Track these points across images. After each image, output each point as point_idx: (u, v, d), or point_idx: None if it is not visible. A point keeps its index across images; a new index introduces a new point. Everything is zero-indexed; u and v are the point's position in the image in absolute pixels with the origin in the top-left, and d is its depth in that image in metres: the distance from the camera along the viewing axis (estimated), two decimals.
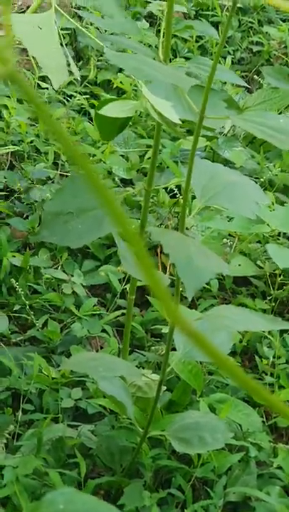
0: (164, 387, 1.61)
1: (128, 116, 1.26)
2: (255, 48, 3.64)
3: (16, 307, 1.99)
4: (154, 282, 0.38)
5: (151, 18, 3.50)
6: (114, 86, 2.96)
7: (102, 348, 1.97)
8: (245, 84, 1.69)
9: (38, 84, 2.87)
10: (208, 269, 1.12)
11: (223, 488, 1.61)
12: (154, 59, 1.25)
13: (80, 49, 3.34)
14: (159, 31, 3.16)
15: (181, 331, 0.39)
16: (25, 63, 3.09)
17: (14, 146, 2.46)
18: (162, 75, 1.13)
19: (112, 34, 1.52)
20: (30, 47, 1.06)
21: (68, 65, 1.17)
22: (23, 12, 2.88)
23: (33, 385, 1.77)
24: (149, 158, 2.52)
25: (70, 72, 1.23)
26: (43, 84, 2.88)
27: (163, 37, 1.32)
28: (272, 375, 1.92)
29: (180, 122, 1.20)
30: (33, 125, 2.63)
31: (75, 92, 2.90)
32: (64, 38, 3.22)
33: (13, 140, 2.52)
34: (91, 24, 3.12)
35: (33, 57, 3.04)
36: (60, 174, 2.45)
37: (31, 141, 2.52)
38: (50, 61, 1.08)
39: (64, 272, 2.09)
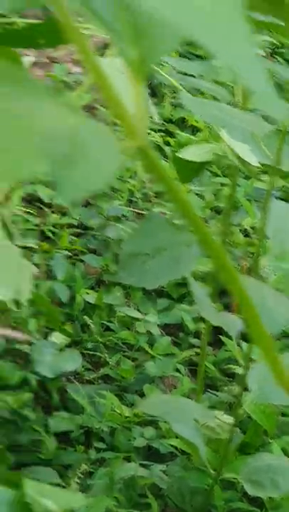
0: (236, 429, 1.60)
1: (207, 160, 1.27)
2: None
3: (89, 345, 2.00)
4: (259, 332, 0.38)
5: None
6: (189, 124, 2.98)
7: (175, 387, 1.96)
8: None
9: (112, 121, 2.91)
10: (284, 316, 1.11)
11: None
12: (229, 102, 1.26)
13: (154, 85, 3.37)
14: None
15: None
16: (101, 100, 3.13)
17: None
18: (239, 120, 1.14)
19: (185, 74, 1.53)
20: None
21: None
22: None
23: (105, 423, 1.78)
24: (224, 196, 2.52)
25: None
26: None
27: None
28: None
29: (258, 165, 1.20)
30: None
31: (150, 129, 2.92)
32: None
33: None
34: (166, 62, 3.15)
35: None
36: (135, 212, 2.47)
37: None
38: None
39: (138, 310, 2.10)
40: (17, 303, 1.22)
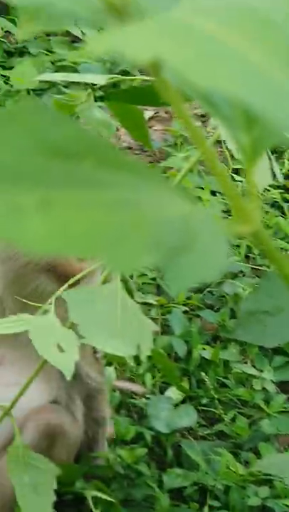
0: None
1: None
2: None
3: (205, 400, 2.00)
4: None
5: None
6: None
7: None
8: None
9: (232, 177, 2.93)
10: None
11: None
12: None
13: None
14: None
15: None
16: (219, 154, 3.16)
17: None
18: None
19: None
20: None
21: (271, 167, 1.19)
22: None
23: (220, 481, 1.77)
24: None
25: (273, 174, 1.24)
26: (237, 177, 2.93)
27: None
28: None
29: None
30: (226, 217, 2.68)
31: (269, 185, 2.93)
32: None
33: None
34: None
35: (226, 147, 3.11)
36: (252, 268, 2.47)
37: None
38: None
39: (254, 366, 2.09)
40: (136, 358, 1.24)
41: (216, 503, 1.75)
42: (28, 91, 3.41)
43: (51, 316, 1.18)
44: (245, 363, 2.13)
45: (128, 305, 1.22)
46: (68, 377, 1.11)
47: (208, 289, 2.36)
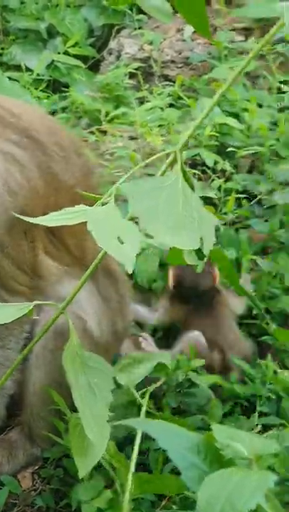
0: None
1: None
2: None
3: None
4: None
5: None
6: None
7: None
8: None
9: (279, 88, 2.86)
10: None
11: None
12: None
13: None
14: None
15: None
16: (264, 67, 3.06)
17: (256, 148, 2.45)
18: None
19: None
20: None
21: None
22: None
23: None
24: None
25: None
26: (285, 88, 2.85)
27: None
28: None
29: None
30: (273, 129, 2.60)
31: None
32: None
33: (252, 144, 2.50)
34: None
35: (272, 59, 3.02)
36: None
37: (271, 145, 2.49)
38: None
39: None
40: (199, 252, 1.18)
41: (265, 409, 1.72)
42: None
43: (111, 206, 1.14)
44: None
45: (190, 197, 1.17)
46: (129, 270, 1.07)
47: (257, 199, 2.31)
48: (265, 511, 0.81)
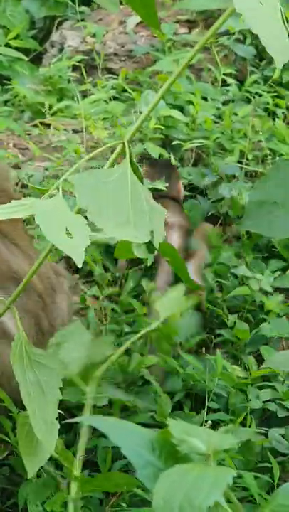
0: None
1: None
2: None
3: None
4: None
5: None
6: None
7: None
8: None
9: (224, 80, 2.85)
10: None
11: None
12: None
13: (262, 49, 3.28)
14: None
15: None
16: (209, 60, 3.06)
17: (201, 141, 2.44)
18: None
19: None
20: (253, 24, 1.02)
21: None
22: None
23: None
24: None
25: None
26: (229, 80, 2.85)
27: None
28: None
29: None
30: (218, 122, 2.60)
31: (260, 90, 2.85)
32: (246, 37, 3.19)
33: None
34: None
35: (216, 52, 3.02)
36: (245, 173, 2.41)
37: (216, 138, 2.49)
38: (273, 41, 1.03)
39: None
40: (149, 245, 1.17)
41: (214, 405, 1.71)
42: None
43: (59, 199, 1.11)
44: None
45: (139, 190, 1.15)
46: (79, 265, 1.04)
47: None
48: (223, 508, 0.80)
